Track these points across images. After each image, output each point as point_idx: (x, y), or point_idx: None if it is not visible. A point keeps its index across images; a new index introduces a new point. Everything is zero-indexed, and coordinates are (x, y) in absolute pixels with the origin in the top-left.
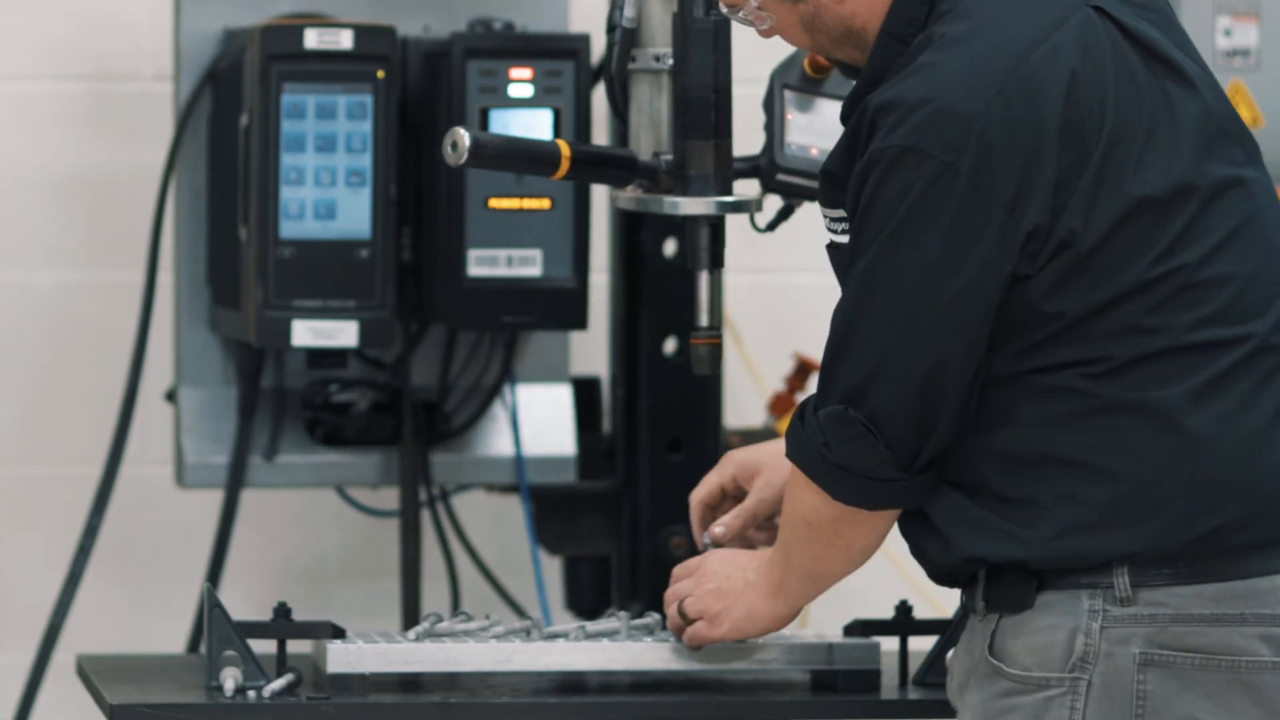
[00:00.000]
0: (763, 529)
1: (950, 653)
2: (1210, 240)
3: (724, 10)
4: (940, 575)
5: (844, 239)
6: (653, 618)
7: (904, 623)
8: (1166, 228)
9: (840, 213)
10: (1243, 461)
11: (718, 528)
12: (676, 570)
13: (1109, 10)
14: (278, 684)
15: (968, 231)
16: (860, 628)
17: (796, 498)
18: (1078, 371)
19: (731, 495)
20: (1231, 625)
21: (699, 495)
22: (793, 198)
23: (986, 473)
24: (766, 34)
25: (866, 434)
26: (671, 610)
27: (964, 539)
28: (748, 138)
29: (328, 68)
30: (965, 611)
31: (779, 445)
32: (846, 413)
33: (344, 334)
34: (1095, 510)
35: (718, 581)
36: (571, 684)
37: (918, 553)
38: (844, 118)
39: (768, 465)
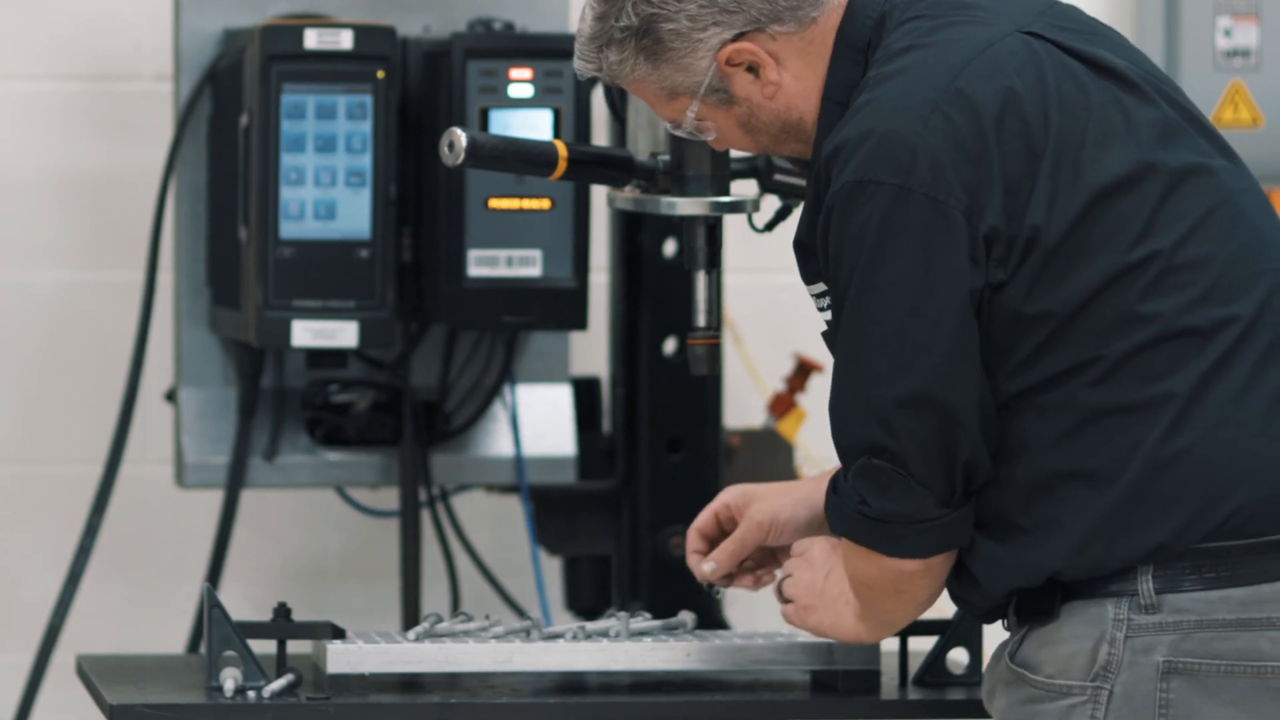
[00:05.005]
0: (760, 563)
1: (950, 654)
2: (1184, 224)
3: (669, 128)
4: (984, 616)
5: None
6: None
7: None
8: (1137, 211)
9: (822, 287)
10: (1248, 446)
11: (707, 564)
12: (794, 546)
13: (1043, 33)
14: (278, 684)
15: (935, 244)
16: None
17: (852, 568)
18: (1077, 381)
19: (725, 525)
20: (1257, 630)
21: (695, 524)
22: (790, 198)
23: (1007, 507)
24: (717, 145)
25: (898, 477)
26: (776, 584)
27: (998, 580)
28: None
29: (328, 68)
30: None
31: (778, 484)
32: (870, 463)
33: (344, 334)
34: (1111, 516)
35: (817, 576)
36: (571, 684)
37: (962, 604)
38: (807, 187)
39: (761, 497)
